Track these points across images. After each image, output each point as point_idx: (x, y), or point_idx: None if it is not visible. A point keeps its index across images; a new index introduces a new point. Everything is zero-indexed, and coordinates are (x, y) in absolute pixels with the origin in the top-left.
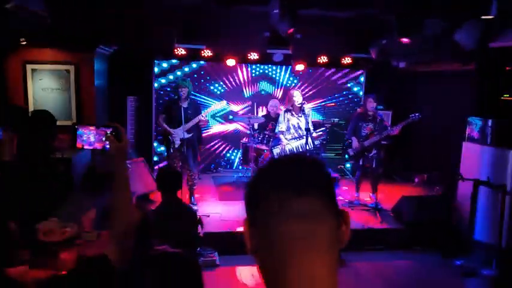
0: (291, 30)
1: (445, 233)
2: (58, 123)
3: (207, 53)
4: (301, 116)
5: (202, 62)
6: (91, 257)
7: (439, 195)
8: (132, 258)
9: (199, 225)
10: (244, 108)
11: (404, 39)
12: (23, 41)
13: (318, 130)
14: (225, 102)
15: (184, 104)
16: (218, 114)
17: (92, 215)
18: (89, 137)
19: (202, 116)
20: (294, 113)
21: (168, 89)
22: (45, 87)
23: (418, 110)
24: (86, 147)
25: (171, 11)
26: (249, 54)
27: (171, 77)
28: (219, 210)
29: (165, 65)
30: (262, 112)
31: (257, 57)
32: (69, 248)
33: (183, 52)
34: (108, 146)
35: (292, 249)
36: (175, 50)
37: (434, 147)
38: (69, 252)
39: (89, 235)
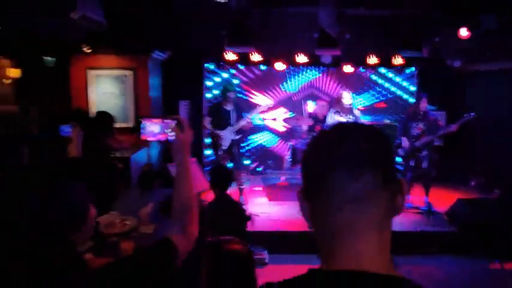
0: (339, 30)
1: (502, 237)
2: (117, 125)
3: (255, 56)
4: (350, 117)
5: (250, 65)
6: (156, 241)
7: (496, 199)
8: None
9: (249, 222)
10: (291, 110)
11: (462, 35)
12: (86, 49)
13: None
14: (271, 103)
15: (230, 107)
16: (265, 116)
17: (149, 209)
18: (153, 129)
19: (249, 118)
20: (342, 114)
21: (216, 93)
22: (105, 92)
23: (472, 110)
24: (149, 138)
25: (220, 15)
26: (297, 56)
27: (218, 80)
28: (268, 210)
29: (213, 68)
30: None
31: (306, 59)
32: (128, 239)
33: (232, 56)
34: (171, 137)
35: (344, 229)
36: (225, 54)
37: (491, 149)
38: (128, 243)
39: (146, 228)
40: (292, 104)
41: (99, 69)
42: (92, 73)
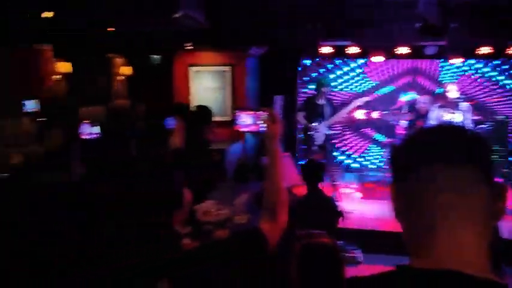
0: (444, 19)
1: None
2: (215, 119)
3: (352, 49)
4: (456, 113)
5: (347, 59)
6: (247, 229)
7: None
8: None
9: (341, 219)
10: (391, 106)
11: None
12: (188, 46)
13: (477, 128)
14: (367, 99)
15: (324, 101)
16: (360, 112)
17: (243, 199)
18: (246, 120)
19: (344, 113)
20: (447, 109)
21: (311, 87)
22: (205, 87)
23: None
24: (243, 129)
25: (316, 8)
26: (397, 48)
27: (314, 74)
28: (362, 208)
29: (309, 62)
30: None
31: (407, 50)
32: (222, 228)
33: (328, 49)
34: (263, 128)
35: (442, 218)
36: (321, 48)
37: None
38: (223, 231)
39: (240, 218)
40: (389, 98)
41: (200, 65)
42: (193, 69)
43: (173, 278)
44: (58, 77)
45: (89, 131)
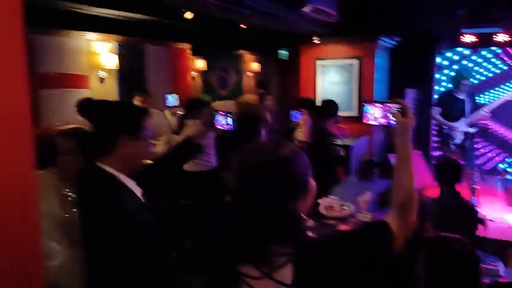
0: None
1: None
2: (341, 113)
3: (501, 37)
4: None
5: (494, 49)
6: (373, 221)
7: None
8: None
9: (481, 225)
10: None
11: None
12: (316, 40)
13: None
14: (508, 96)
15: (464, 96)
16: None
17: (367, 197)
18: (375, 113)
19: (486, 110)
20: None
21: (449, 81)
22: (330, 81)
23: None
24: (371, 122)
25: None
26: None
27: (455, 67)
28: (507, 217)
29: (449, 54)
30: None
31: None
32: (345, 224)
33: (472, 38)
34: (392, 122)
35: None
36: (462, 37)
37: None
38: (345, 227)
39: (364, 215)
40: None
41: (326, 59)
42: (319, 63)
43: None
44: (195, 73)
45: (224, 122)
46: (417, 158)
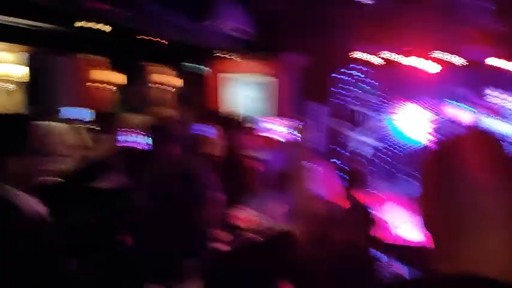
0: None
1: None
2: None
3: (396, 57)
4: (506, 121)
5: (389, 66)
6: (279, 232)
7: None
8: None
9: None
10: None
11: None
12: (229, 55)
13: None
14: (416, 106)
15: (367, 110)
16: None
17: (282, 209)
18: (278, 130)
19: (385, 121)
20: (496, 117)
21: (355, 96)
22: (246, 96)
23: None
24: (274, 137)
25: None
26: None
27: (355, 83)
28: (406, 222)
29: (350, 72)
30: None
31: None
32: (258, 235)
33: (367, 56)
34: (294, 138)
35: (471, 222)
36: (357, 56)
37: None
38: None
39: (279, 227)
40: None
41: (241, 74)
42: (233, 78)
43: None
44: (111, 87)
45: (135, 139)
46: (329, 169)
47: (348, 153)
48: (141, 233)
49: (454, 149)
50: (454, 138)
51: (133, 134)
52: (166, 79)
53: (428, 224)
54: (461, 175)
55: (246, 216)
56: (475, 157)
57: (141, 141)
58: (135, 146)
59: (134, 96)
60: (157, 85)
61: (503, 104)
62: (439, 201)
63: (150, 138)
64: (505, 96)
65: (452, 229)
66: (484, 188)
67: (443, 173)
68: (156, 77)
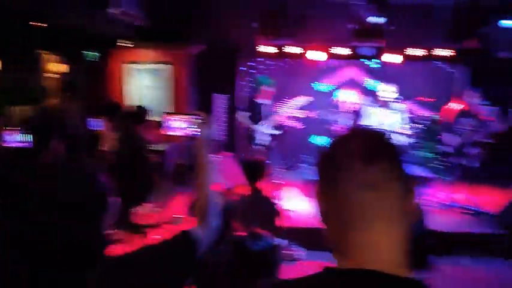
0: (382, 21)
1: None
2: (154, 118)
3: (292, 49)
4: (391, 111)
5: (287, 59)
6: (177, 233)
7: None
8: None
9: (283, 217)
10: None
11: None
12: (125, 43)
13: (410, 126)
14: (307, 98)
15: (265, 101)
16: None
17: (182, 201)
18: (177, 125)
19: (285, 113)
20: (381, 108)
21: (253, 87)
22: (142, 86)
23: None
24: (173, 133)
25: (252, 8)
26: (335, 49)
27: (255, 74)
28: (305, 206)
29: (250, 63)
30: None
31: (347, 52)
32: (161, 230)
33: (267, 49)
34: (195, 132)
35: (359, 216)
36: (260, 47)
37: None
38: (159, 233)
39: (178, 219)
40: (328, 97)
41: (137, 63)
42: (129, 67)
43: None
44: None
45: (14, 138)
46: (229, 160)
47: (251, 145)
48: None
49: (338, 147)
50: (338, 136)
51: (13, 133)
52: (59, 68)
53: (324, 215)
54: (343, 172)
55: (147, 213)
56: (356, 153)
57: (23, 138)
58: (18, 145)
59: (27, 87)
60: (50, 75)
61: (390, 96)
62: (327, 198)
63: (31, 135)
64: (393, 89)
65: (339, 223)
66: (364, 182)
67: (328, 171)
68: (50, 67)
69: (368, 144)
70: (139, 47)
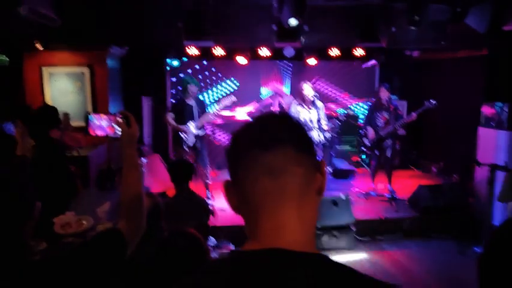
0: (299, 22)
1: (463, 219)
2: (74, 123)
3: (217, 50)
4: (312, 109)
5: (212, 60)
6: (104, 230)
7: (455, 183)
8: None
9: (211, 215)
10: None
11: (412, 26)
12: (38, 45)
13: (330, 122)
14: (234, 98)
15: (192, 102)
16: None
17: (106, 207)
18: (101, 124)
19: (212, 113)
20: (304, 106)
21: (179, 88)
22: (61, 90)
23: (432, 98)
24: (97, 133)
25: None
26: (259, 50)
27: (181, 75)
28: None
29: (175, 63)
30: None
31: (268, 53)
32: (84, 238)
33: (193, 50)
34: (118, 132)
35: (263, 203)
36: (186, 48)
37: (450, 136)
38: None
39: (103, 227)
40: (254, 96)
41: (54, 66)
42: (46, 70)
43: None
44: None
45: None
46: (155, 161)
47: (179, 146)
48: None
49: (239, 136)
50: (243, 124)
51: None
52: None
53: (236, 208)
54: (244, 160)
55: (65, 221)
56: (254, 141)
57: None
58: None
59: None
60: None
61: (311, 93)
62: (235, 189)
63: None
64: (312, 86)
65: (249, 212)
66: (265, 169)
67: (232, 162)
68: None
69: (269, 130)
70: (56, 49)
